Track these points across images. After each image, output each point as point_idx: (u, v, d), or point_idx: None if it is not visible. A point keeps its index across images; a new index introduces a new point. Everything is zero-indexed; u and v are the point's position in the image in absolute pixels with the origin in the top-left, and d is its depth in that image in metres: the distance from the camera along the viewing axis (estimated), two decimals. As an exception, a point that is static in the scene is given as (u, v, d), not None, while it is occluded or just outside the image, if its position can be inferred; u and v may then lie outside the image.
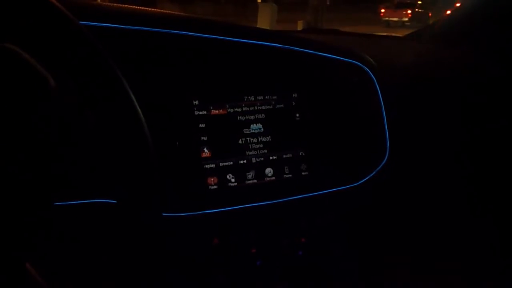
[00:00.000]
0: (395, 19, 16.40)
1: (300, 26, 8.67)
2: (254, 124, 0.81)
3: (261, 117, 0.81)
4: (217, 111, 0.78)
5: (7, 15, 0.39)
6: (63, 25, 0.41)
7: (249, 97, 0.81)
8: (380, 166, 0.86)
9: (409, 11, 16.76)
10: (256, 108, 0.81)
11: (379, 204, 0.91)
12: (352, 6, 20.57)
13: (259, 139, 0.81)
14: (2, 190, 0.40)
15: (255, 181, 0.79)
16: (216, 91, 0.78)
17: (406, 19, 16.48)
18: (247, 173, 0.79)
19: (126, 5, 0.69)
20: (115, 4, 0.67)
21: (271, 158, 0.81)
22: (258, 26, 6.40)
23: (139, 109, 0.44)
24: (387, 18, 16.66)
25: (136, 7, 0.69)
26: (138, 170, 0.43)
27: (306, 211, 0.82)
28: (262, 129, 0.81)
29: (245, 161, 0.79)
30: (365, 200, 0.88)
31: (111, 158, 0.43)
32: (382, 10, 17.00)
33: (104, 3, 0.69)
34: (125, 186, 0.43)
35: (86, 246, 0.69)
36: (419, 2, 17.99)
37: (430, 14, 17.01)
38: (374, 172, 0.86)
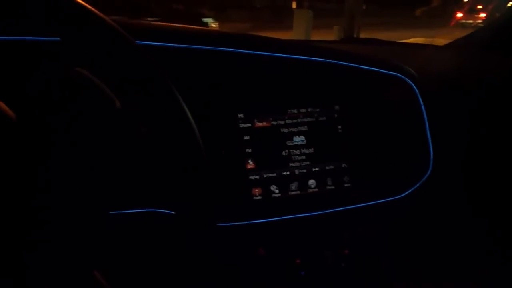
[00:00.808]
0: (470, 21, 16.73)
1: (336, 31, 8.63)
2: (297, 136, 0.82)
3: (304, 129, 0.83)
4: (261, 124, 0.80)
5: (77, 42, 0.43)
6: (123, 48, 0.44)
7: (292, 110, 0.83)
8: (423, 179, 0.86)
9: (483, 15, 17.04)
10: (299, 120, 0.83)
11: (421, 215, 0.91)
12: (387, 10, 20.31)
13: (302, 151, 0.82)
14: (66, 200, 0.44)
15: (298, 192, 0.81)
16: (260, 104, 0.81)
17: (480, 21, 16.71)
18: (290, 185, 0.81)
19: (177, 25, 0.73)
20: (166, 24, 0.71)
21: (313, 169, 0.82)
22: (293, 32, 6.42)
23: (194, 124, 0.47)
24: (463, 21, 16.97)
25: (185, 26, 0.73)
26: (196, 182, 0.45)
27: (348, 223, 0.83)
28: (305, 141, 0.83)
29: (288, 173, 0.81)
30: (407, 212, 0.88)
31: (169, 171, 0.46)
32: (459, 14, 17.43)
33: (158, 23, 0.72)
34: (183, 197, 0.45)
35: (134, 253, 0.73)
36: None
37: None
38: (417, 185, 0.86)
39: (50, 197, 0.42)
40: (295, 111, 0.83)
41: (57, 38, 0.43)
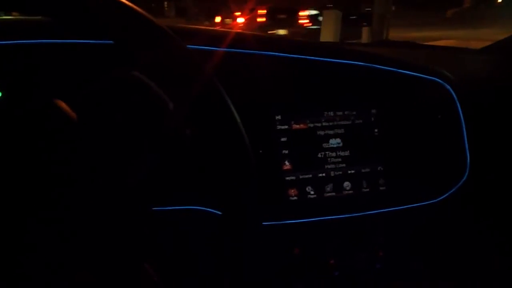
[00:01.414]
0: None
1: (365, 33, 8.56)
2: (333, 139, 0.83)
3: (340, 132, 0.84)
4: (298, 126, 0.82)
5: (134, 48, 0.45)
6: (174, 51, 0.46)
7: (329, 113, 0.84)
8: (459, 184, 0.86)
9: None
10: (335, 123, 0.84)
11: (456, 219, 0.91)
12: (418, 12, 20.00)
13: (338, 153, 0.83)
14: (115, 197, 0.46)
15: (334, 194, 0.82)
16: (297, 107, 0.82)
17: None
18: (326, 186, 0.82)
19: (219, 29, 0.75)
20: (210, 28, 0.73)
21: (349, 172, 0.83)
22: (322, 32, 6.38)
23: (242, 126, 0.48)
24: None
25: (226, 30, 0.75)
26: (243, 182, 0.47)
27: (383, 226, 0.83)
28: (341, 144, 0.83)
29: (324, 174, 0.82)
30: (443, 216, 0.88)
31: (216, 171, 0.47)
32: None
33: (206, 27, 0.74)
34: (230, 197, 0.47)
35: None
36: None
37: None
38: (453, 189, 0.85)
39: (108, 193, 0.44)
40: (331, 113, 0.84)
41: (110, 41, 0.45)
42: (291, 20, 11.41)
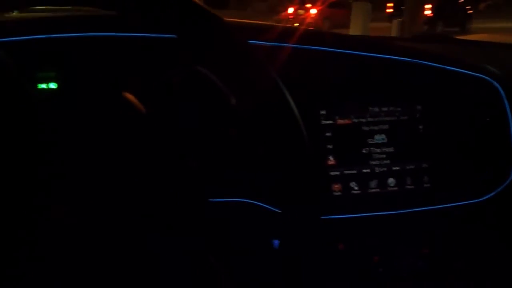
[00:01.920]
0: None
1: (395, 26, 8.41)
2: (378, 135, 0.83)
3: (384, 128, 0.83)
4: (342, 121, 0.82)
5: (196, 42, 0.46)
6: (236, 48, 0.47)
7: (374, 108, 0.83)
8: (505, 183, 0.84)
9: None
10: (380, 119, 0.83)
11: (500, 219, 0.89)
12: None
13: (382, 149, 0.83)
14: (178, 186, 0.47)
15: (378, 190, 0.82)
16: (342, 102, 0.82)
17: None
18: (370, 182, 0.82)
19: (272, 24, 0.76)
20: (262, 23, 0.74)
21: (393, 168, 0.83)
22: (351, 25, 6.29)
23: (301, 122, 0.49)
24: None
25: (279, 25, 0.75)
26: (303, 177, 0.47)
27: (427, 223, 0.83)
28: (386, 140, 0.83)
29: (368, 170, 0.82)
30: (486, 216, 0.87)
31: (276, 166, 0.48)
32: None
33: (256, 22, 0.75)
34: (291, 194, 0.48)
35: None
36: None
37: None
38: (498, 189, 0.84)
39: (172, 183, 0.46)
40: (376, 109, 0.83)
41: (174, 36, 0.46)
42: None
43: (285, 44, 0.74)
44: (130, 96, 0.46)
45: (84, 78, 0.62)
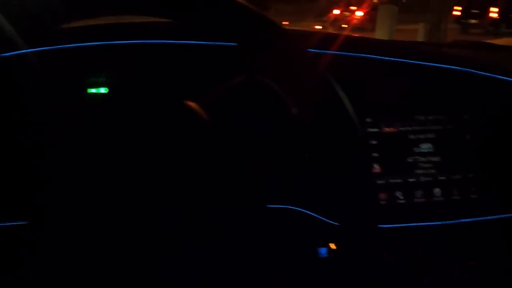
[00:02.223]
0: None
1: (421, 29, 8.29)
2: (424, 144, 0.82)
3: (431, 136, 0.82)
4: (388, 129, 0.80)
5: (259, 52, 0.46)
6: (297, 57, 0.47)
7: (420, 117, 0.82)
8: None
9: None
10: (426, 127, 0.82)
11: None
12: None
13: (428, 158, 0.81)
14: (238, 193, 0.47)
15: (423, 200, 0.80)
16: (388, 110, 0.81)
17: None
18: (416, 192, 0.80)
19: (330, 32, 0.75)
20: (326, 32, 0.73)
21: (439, 178, 0.81)
22: (377, 28, 6.23)
23: (361, 131, 0.48)
24: None
25: (335, 33, 0.75)
26: (360, 187, 0.47)
27: (474, 235, 0.81)
28: (432, 149, 0.82)
29: (414, 180, 0.80)
30: None
31: (334, 176, 0.48)
32: None
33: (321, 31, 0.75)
34: (350, 204, 0.47)
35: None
36: None
37: None
38: None
39: (232, 191, 0.46)
40: (422, 117, 0.82)
41: (235, 44, 0.46)
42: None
43: (337, 52, 0.73)
44: (192, 104, 0.46)
45: (139, 85, 0.63)
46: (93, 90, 0.74)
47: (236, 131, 0.46)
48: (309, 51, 0.47)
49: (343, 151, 0.47)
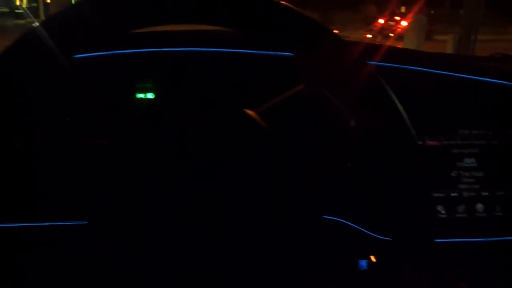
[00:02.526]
0: None
1: (450, 40, 8.18)
2: (467, 158, 0.81)
3: (474, 151, 0.81)
4: (432, 143, 0.80)
5: (319, 63, 0.46)
6: (359, 69, 0.47)
7: (464, 131, 0.81)
8: None
9: None
10: (470, 142, 0.81)
11: None
12: (505, 18, 18.77)
13: (471, 173, 0.80)
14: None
15: (465, 215, 0.79)
16: (432, 123, 0.80)
17: None
18: (458, 207, 0.79)
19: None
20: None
21: (482, 194, 0.80)
22: (404, 39, 6.18)
23: (417, 142, 0.48)
24: None
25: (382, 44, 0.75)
26: (420, 201, 0.47)
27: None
28: (475, 164, 0.81)
29: (456, 194, 0.79)
30: None
31: (391, 190, 0.48)
32: None
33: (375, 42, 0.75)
34: (405, 221, 0.47)
35: None
36: None
37: None
38: None
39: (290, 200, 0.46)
40: (467, 132, 0.81)
41: (291, 54, 0.46)
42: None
43: (392, 65, 0.74)
44: (250, 112, 0.47)
45: (191, 92, 0.64)
46: (140, 95, 0.75)
47: (293, 140, 0.47)
48: (369, 63, 0.47)
49: (401, 164, 0.47)
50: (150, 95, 0.75)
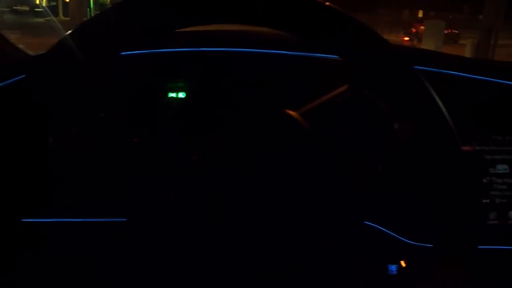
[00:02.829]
0: None
1: (469, 44, 8.10)
2: (500, 165, 0.79)
3: (508, 158, 0.80)
4: (464, 148, 0.79)
5: (363, 65, 0.46)
6: (403, 72, 0.46)
7: (497, 137, 0.80)
8: None
9: None
10: (503, 148, 0.80)
11: None
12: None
13: (504, 180, 0.79)
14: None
15: (496, 222, 0.78)
16: (464, 128, 0.79)
17: None
18: (490, 214, 0.78)
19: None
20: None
21: (515, 201, 0.79)
22: (423, 43, 6.14)
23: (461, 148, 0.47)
24: None
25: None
26: (464, 208, 0.46)
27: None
28: (508, 170, 0.79)
29: (488, 201, 0.78)
30: None
31: (434, 197, 0.47)
32: None
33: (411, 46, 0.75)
34: (449, 229, 0.46)
35: None
36: None
37: None
38: None
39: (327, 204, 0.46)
40: (500, 138, 0.80)
41: (337, 57, 0.46)
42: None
43: (434, 70, 0.73)
44: (292, 113, 0.47)
45: (230, 92, 0.64)
46: (172, 95, 0.76)
47: (336, 142, 0.46)
48: (414, 67, 0.47)
49: (445, 169, 0.46)
50: (181, 94, 0.75)
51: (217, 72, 0.72)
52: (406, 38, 15.89)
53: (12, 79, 0.69)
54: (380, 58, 0.45)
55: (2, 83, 0.68)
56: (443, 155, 0.46)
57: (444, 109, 0.47)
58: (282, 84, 0.64)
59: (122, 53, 0.66)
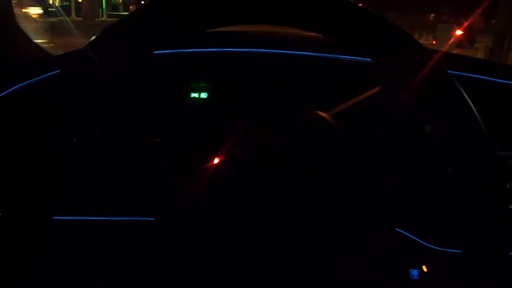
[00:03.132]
0: None
1: (482, 50, 8.04)
2: (524, 170, 0.78)
3: (532, 163, 0.78)
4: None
5: (397, 68, 0.45)
6: (436, 76, 0.45)
7: (522, 142, 0.79)
8: None
9: None
10: (527, 153, 0.79)
11: None
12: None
13: (528, 186, 0.78)
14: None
15: (520, 228, 0.77)
16: (488, 132, 0.78)
17: None
18: (513, 220, 0.77)
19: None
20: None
21: (539, 207, 0.78)
22: (435, 47, 6.10)
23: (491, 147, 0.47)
24: None
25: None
26: (494, 212, 0.45)
27: None
28: (532, 176, 0.78)
29: (511, 207, 0.77)
30: None
31: (463, 204, 0.46)
32: None
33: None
34: (479, 235, 0.46)
35: None
36: None
37: None
38: None
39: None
40: None
41: (369, 59, 0.46)
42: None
43: (466, 74, 0.73)
44: (323, 114, 0.46)
45: (260, 93, 0.64)
46: (194, 95, 0.76)
47: (368, 144, 0.46)
48: (448, 71, 0.46)
49: (476, 173, 0.45)
50: (203, 95, 0.76)
51: (241, 73, 0.71)
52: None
53: (37, 77, 0.70)
54: (413, 62, 0.45)
55: (28, 81, 0.69)
56: (475, 160, 0.46)
57: (477, 113, 0.46)
58: (308, 85, 0.64)
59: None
